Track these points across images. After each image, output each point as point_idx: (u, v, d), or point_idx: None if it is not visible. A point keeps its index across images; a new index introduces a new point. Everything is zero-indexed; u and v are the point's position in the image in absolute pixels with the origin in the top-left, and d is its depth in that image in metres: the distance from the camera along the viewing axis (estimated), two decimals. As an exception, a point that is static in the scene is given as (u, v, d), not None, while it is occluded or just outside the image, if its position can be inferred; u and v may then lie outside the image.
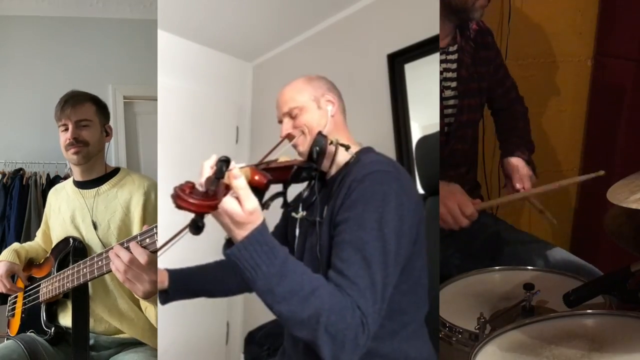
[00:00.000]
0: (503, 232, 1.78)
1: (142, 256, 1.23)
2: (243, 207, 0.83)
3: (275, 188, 1.02)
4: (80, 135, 1.67)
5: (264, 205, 0.92)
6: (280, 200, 1.06)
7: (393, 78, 1.97)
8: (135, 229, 1.62)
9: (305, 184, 1.18)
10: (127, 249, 1.26)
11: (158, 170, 1.41)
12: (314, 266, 1.00)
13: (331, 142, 1.08)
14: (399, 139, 1.94)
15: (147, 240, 1.25)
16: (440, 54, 1.71)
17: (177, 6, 2.04)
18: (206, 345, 2.47)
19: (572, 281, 1.41)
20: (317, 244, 1.05)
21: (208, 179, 0.82)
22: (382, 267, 0.93)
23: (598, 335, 1.09)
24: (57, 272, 1.62)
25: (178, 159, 1.74)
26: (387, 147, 1.93)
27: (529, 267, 1.52)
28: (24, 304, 1.75)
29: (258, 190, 0.90)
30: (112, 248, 1.29)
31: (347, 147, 1.08)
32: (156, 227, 1.24)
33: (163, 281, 1.27)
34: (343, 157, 1.10)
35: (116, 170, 1.76)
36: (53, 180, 3.44)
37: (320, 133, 1.08)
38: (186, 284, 1.31)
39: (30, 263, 1.78)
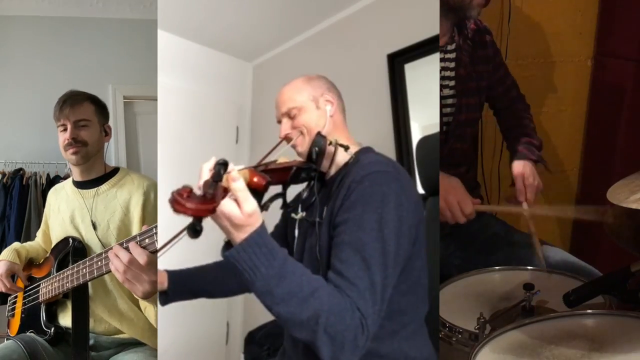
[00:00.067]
0: (503, 232, 1.77)
1: (141, 256, 1.22)
2: (242, 210, 0.83)
3: (275, 189, 1.02)
4: (79, 135, 1.67)
5: (263, 207, 0.92)
6: (279, 201, 1.06)
7: (393, 78, 1.98)
8: (135, 229, 1.62)
9: (304, 184, 1.18)
10: (127, 249, 1.25)
11: (158, 170, 1.41)
12: (314, 267, 1.00)
13: (330, 143, 1.08)
14: (399, 139, 1.94)
15: (147, 240, 1.25)
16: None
17: (177, 6, 2.04)
18: (206, 345, 2.47)
19: (572, 281, 1.41)
20: (316, 245, 1.04)
21: (206, 182, 0.82)
22: (381, 268, 0.93)
23: (598, 335, 1.09)
24: (56, 272, 1.62)
25: (178, 159, 1.74)
26: (387, 147, 1.93)
27: (529, 267, 1.52)
28: (24, 304, 1.75)
29: (257, 192, 0.90)
30: (111, 248, 1.29)
31: (346, 148, 1.08)
32: (156, 227, 1.23)
33: (163, 282, 1.27)
34: (342, 157, 1.09)
35: (116, 170, 1.76)
36: (53, 180, 3.43)
37: (319, 133, 1.08)
38: (186, 285, 1.31)
39: (30, 263, 1.78)
